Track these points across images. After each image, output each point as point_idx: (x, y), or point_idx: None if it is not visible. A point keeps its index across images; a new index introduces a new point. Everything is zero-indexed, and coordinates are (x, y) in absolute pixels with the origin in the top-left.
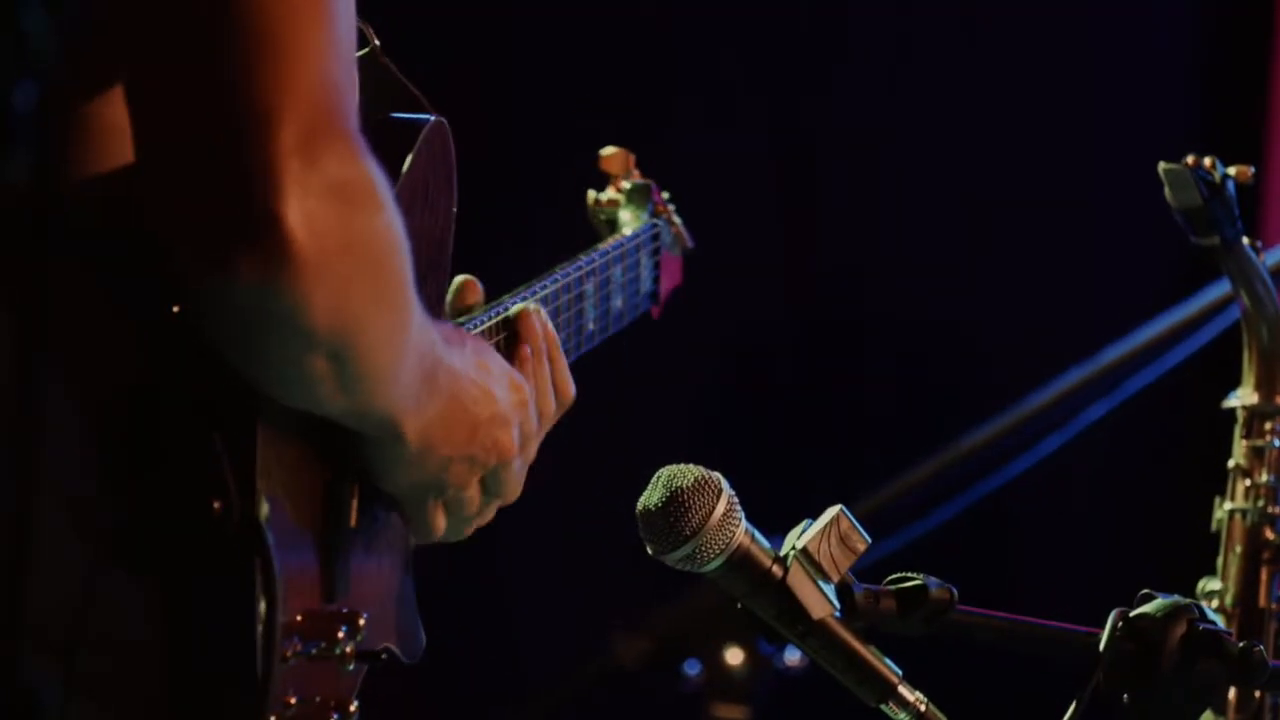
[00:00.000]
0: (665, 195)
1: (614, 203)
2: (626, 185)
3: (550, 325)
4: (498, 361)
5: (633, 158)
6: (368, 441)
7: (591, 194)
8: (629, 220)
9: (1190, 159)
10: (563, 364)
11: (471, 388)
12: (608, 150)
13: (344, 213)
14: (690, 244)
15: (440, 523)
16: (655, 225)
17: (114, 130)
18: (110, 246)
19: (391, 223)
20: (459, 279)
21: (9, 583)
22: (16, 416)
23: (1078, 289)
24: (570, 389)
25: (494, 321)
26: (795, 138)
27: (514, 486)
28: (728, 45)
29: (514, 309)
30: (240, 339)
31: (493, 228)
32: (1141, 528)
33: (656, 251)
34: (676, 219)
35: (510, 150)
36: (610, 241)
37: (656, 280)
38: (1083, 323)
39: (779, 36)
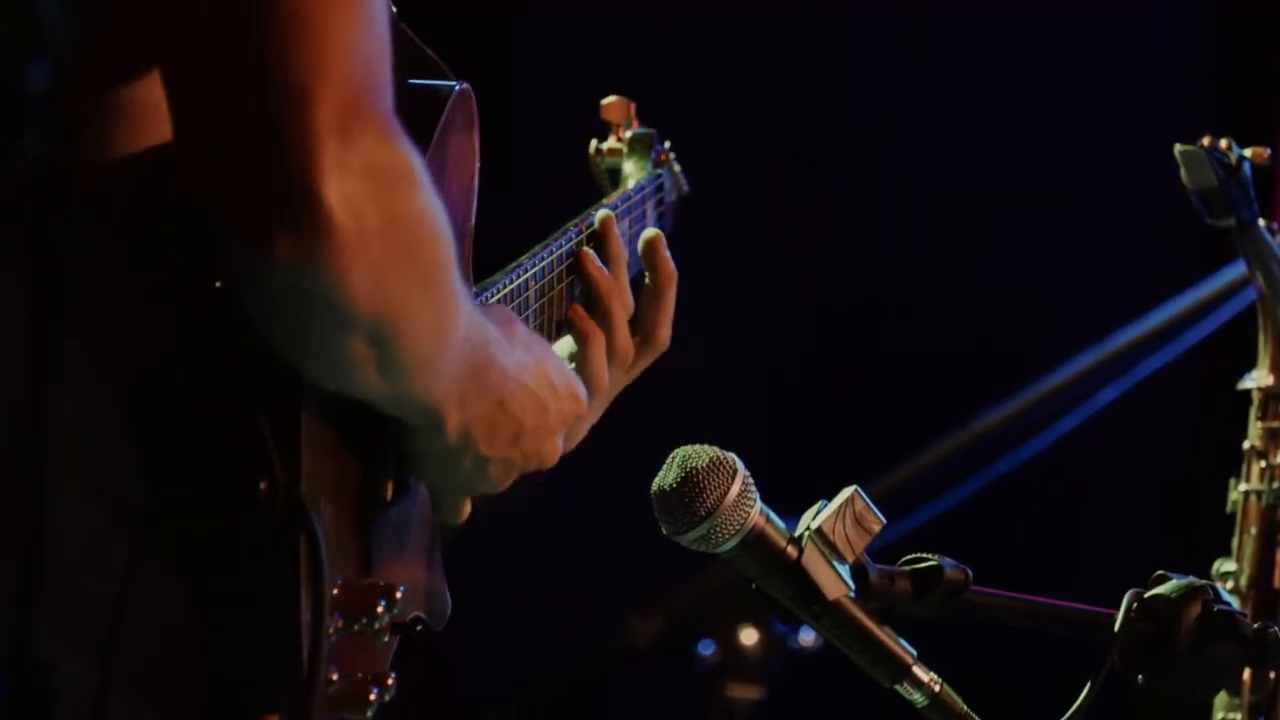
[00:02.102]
0: (667, 144)
1: (616, 152)
2: (628, 134)
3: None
4: (560, 371)
5: (633, 106)
6: (407, 430)
7: (593, 143)
8: (633, 171)
9: (1206, 140)
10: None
11: (522, 393)
12: (608, 99)
13: (382, 192)
14: (687, 189)
15: (466, 512)
16: (659, 176)
17: (148, 107)
18: (146, 224)
19: (431, 203)
20: None
21: (24, 573)
22: (29, 400)
23: (1093, 271)
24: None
25: (574, 241)
26: (803, 123)
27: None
28: (736, 33)
29: (598, 215)
30: (280, 320)
31: (501, 203)
32: (1156, 509)
33: (661, 203)
34: (676, 166)
35: (512, 142)
36: (617, 195)
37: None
38: (1098, 305)
39: (785, 26)
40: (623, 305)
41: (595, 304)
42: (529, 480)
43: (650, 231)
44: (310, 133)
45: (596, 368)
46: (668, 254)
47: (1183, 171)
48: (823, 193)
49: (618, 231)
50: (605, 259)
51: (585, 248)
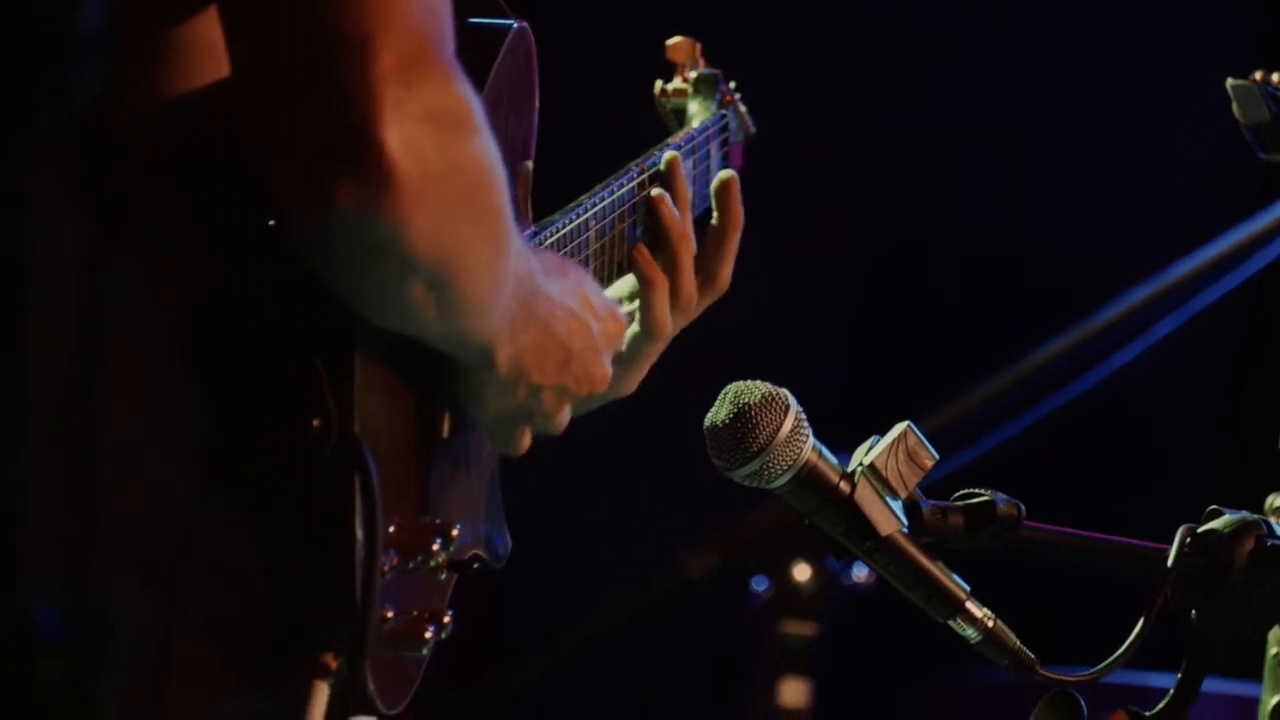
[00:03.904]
0: (732, 84)
1: (681, 92)
2: (693, 74)
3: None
4: (598, 294)
5: (699, 46)
6: (460, 365)
7: (658, 84)
8: (697, 112)
9: (1258, 74)
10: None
11: (568, 318)
12: (674, 39)
13: (442, 139)
14: (753, 130)
15: (525, 443)
16: (724, 116)
17: (203, 47)
18: (201, 163)
19: (488, 149)
20: None
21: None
22: (86, 342)
23: (1147, 205)
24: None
25: (635, 182)
26: (852, 67)
27: (598, 403)
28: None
29: (665, 156)
30: (339, 264)
31: (562, 141)
32: (1210, 443)
33: (725, 143)
34: (742, 107)
35: (573, 80)
36: (681, 135)
37: None
38: (1152, 238)
39: None
40: (689, 249)
41: (663, 248)
42: (586, 415)
43: (726, 173)
44: (372, 80)
45: (659, 313)
46: (739, 197)
47: (1235, 105)
48: (876, 133)
49: (684, 172)
50: (673, 201)
51: (659, 191)
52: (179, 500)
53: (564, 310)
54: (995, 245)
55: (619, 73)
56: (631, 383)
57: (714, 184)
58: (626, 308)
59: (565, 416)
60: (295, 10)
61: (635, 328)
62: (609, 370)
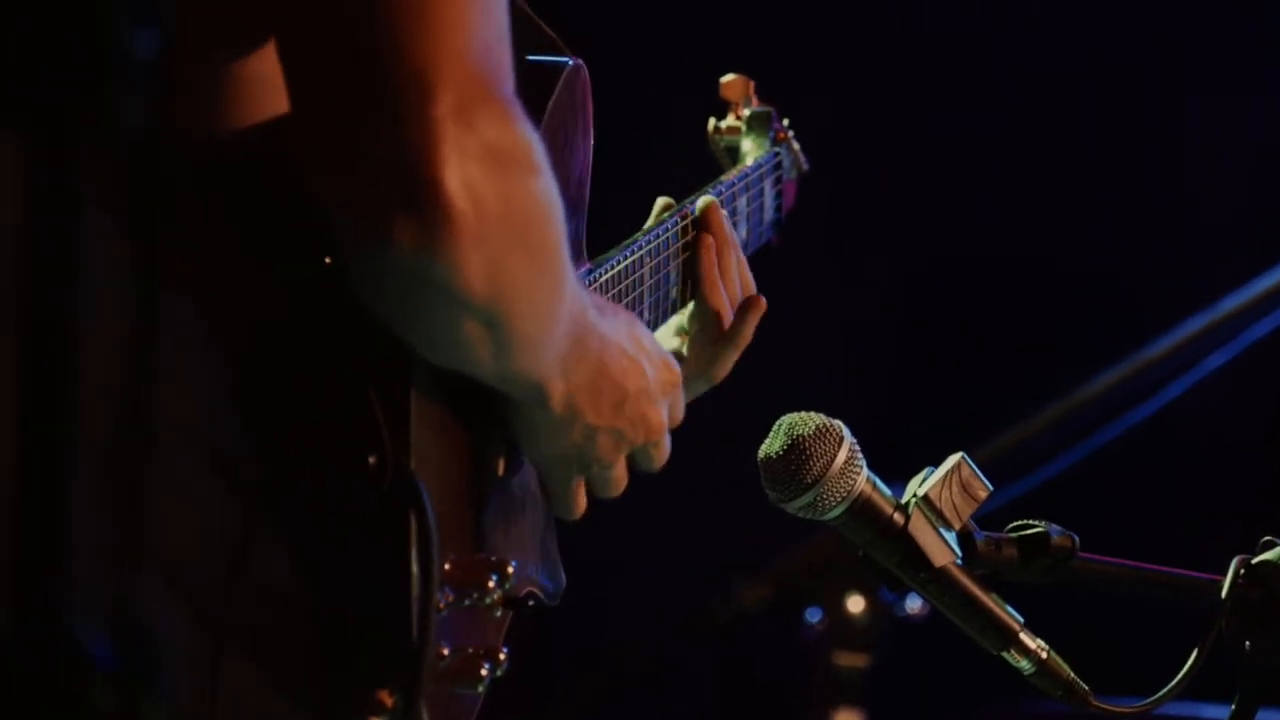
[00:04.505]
0: (785, 121)
1: (734, 130)
2: (746, 112)
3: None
4: (651, 339)
5: (752, 84)
6: (514, 404)
7: (712, 121)
8: (751, 149)
9: None
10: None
11: (621, 358)
12: (727, 77)
13: (501, 179)
14: (806, 166)
15: (582, 502)
16: (777, 153)
17: (259, 80)
18: (261, 197)
19: (548, 188)
20: (661, 200)
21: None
22: (139, 370)
23: (1200, 238)
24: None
25: (677, 228)
26: (884, 87)
27: (659, 463)
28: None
29: (700, 203)
30: (395, 302)
31: (616, 180)
32: (1263, 475)
33: (779, 180)
34: (795, 144)
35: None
36: (735, 173)
37: (779, 209)
38: (1204, 271)
39: None
40: (729, 295)
41: (702, 293)
42: (641, 471)
43: (704, 200)
44: (431, 119)
45: (728, 363)
46: (721, 216)
47: None
48: (918, 160)
49: (722, 216)
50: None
51: (703, 235)
52: (230, 532)
53: (619, 350)
54: (1049, 279)
55: (675, 110)
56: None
57: (743, 300)
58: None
59: (622, 471)
60: (355, 48)
61: (696, 369)
62: (665, 420)
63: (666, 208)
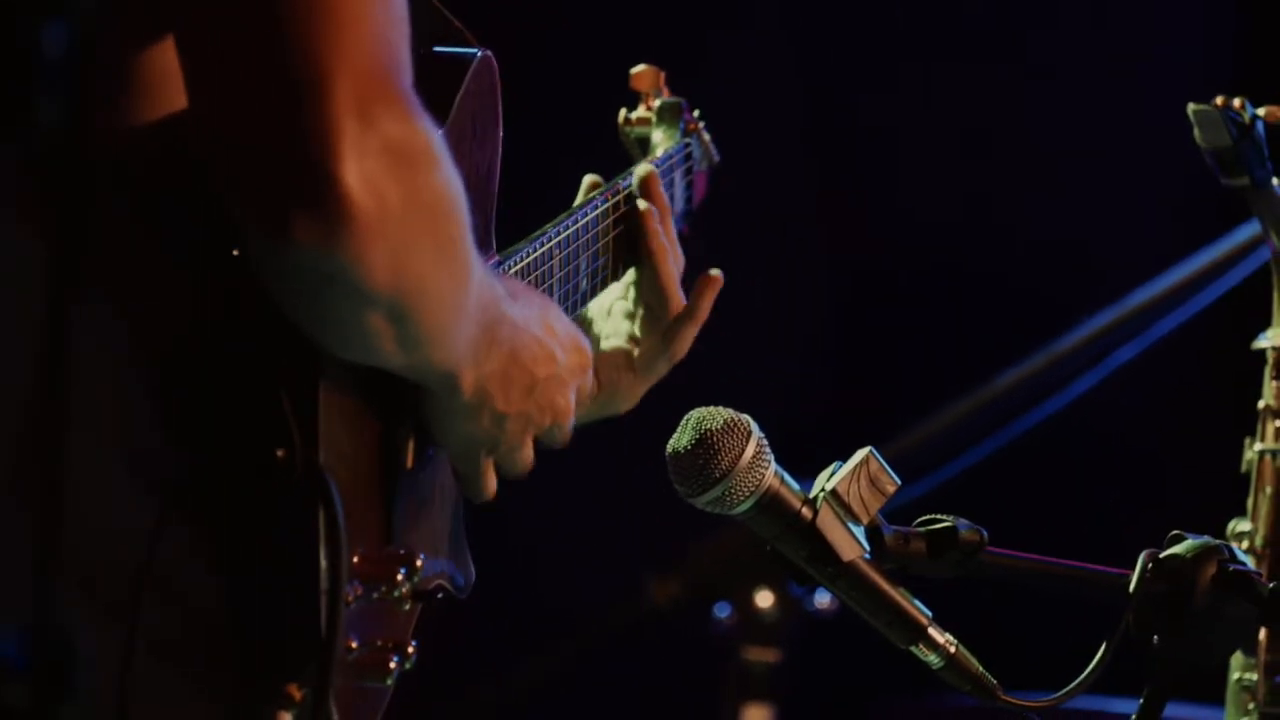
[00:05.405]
0: (696, 112)
1: (645, 121)
2: (657, 103)
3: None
4: (564, 324)
5: (663, 75)
6: (425, 392)
7: (622, 112)
8: (661, 140)
9: (1220, 100)
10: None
11: (533, 344)
12: (638, 68)
13: (401, 173)
14: (717, 158)
15: (492, 484)
16: (688, 144)
17: (166, 76)
18: (164, 192)
19: (449, 180)
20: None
21: (46, 540)
22: (51, 369)
23: (1110, 231)
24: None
25: (610, 203)
26: (831, 81)
27: (563, 443)
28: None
29: (640, 170)
30: (299, 298)
31: (527, 164)
32: (1172, 469)
33: (689, 171)
34: (706, 135)
35: (537, 109)
36: (649, 160)
37: (689, 200)
38: (1113, 265)
39: None
40: (678, 265)
41: (649, 264)
42: (548, 449)
43: (642, 168)
44: (329, 116)
45: (688, 339)
46: (659, 186)
47: (1196, 131)
48: (846, 154)
49: (661, 186)
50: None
51: (645, 205)
52: (142, 529)
53: (529, 337)
54: (956, 274)
55: (584, 100)
56: (633, 401)
57: (701, 276)
58: (602, 328)
59: (529, 452)
60: (250, 46)
61: (654, 347)
62: (572, 404)
63: (594, 185)
